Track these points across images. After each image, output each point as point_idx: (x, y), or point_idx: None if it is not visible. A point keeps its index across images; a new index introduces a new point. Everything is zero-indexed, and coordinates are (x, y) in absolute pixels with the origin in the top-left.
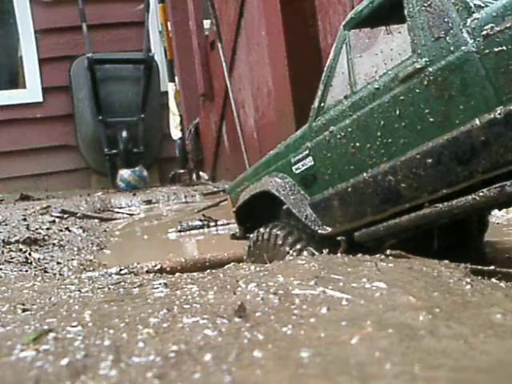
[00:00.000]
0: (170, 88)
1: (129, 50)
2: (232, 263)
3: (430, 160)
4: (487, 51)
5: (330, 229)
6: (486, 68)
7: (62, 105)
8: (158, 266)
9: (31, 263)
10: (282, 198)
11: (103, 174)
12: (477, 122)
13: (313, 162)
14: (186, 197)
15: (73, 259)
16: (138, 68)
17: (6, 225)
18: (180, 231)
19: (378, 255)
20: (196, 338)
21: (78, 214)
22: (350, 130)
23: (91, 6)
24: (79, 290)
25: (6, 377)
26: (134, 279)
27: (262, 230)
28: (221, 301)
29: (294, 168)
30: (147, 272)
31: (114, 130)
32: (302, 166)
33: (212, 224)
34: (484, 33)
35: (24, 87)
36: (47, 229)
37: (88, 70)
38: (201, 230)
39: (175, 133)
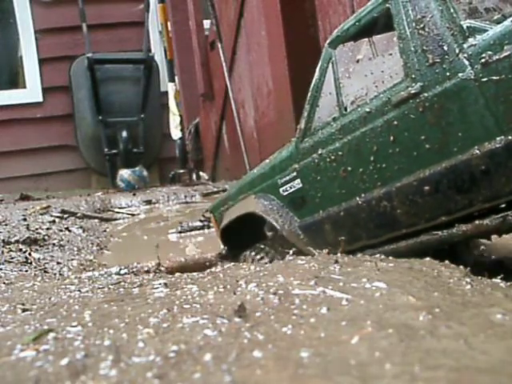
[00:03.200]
0: (170, 88)
1: (129, 50)
2: (232, 263)
3: (427, 187)
4: (486, 79)
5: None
6: (485, 96)
7: (62, 105)
8: (158, 266)
9: (31, 263)
10: (271, 220)
11: (103, 174)
12: (476, 150)
13: (301, 185)
14: (186, 197)
15: (73, 259)
16: (138, 68)
17: (6, 225)
18: (180, 232)
19: (377, 255)
20: (196, 337)
21: (78, 214)
22: (340, 153)
23: (91, 6)
24: (79, 290)
25: (6, 377)
26: (134, 279)
27: (247, 252)
28: (221, 301)
29: (281, 190)
30: (147, 272)
31: (114, 130)
32: (290, 188)
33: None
34: (482, 60)
35: (24, 87)
36: (47, 229)
37: (88, 70)
38: (201, 231)
39: (175, 133)
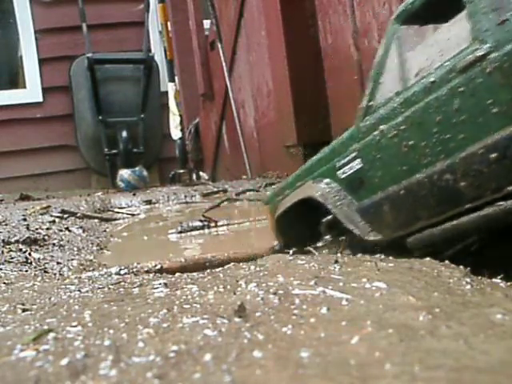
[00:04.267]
0: (170, 88)
1: (129, 50)
2: (232, 263)
3: (494, 155)
4: None
5: (380, 235)
6: None
7: (62, 105)
8: (158, 266)
9: (31, 263)
10: (327, 204)
11: (103, 174)
12: None
13: (361, 165)
14: (186, 197)
15: (73, 259)
16: (138, 68)
17: (5, 225)
18: (180, 232)
19: (377, 255)
20: (196, 337)
21: (78, 214)
22: (402, 127)
23: (91, 6)
24: (79, 290)
25: (5, 377)
26: (134, 279)
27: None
28: (221, 301)
29: (339, 173)
30: (147, 272)
31: (114, 130)
32: (349, 169)
33: (212, 225)
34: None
35: (24, 87)
36: (47, 229)
37: (88, 70)
38: (201, 231)
39: (175, 133)
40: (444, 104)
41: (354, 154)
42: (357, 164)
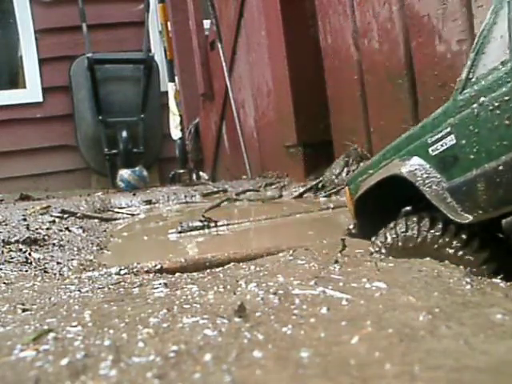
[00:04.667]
0: (170, 88)
1: (129, 50)
2: (232, 263)
3: None
4: None
5: (471, 217)
6: None
7: (62, 105)
8: (158, 266)
9: (31, 263)
10: (415, 182)
11: (103, 174)
12: None
13: (455, 141)
14: (186, 197)
15: (73, 259)
16: (138, 68)
17: (5, 225)
18: (180, 232)
19: (377, 255)
20: (196, 337)
21: (78, 214)
22: (506, 98)
23: (91, 6)
24: (79, 290)
25: (6, 377)
26: (134, 279)
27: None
28: (221, 301)
29: (430, 150)
30: (147, 272)
31: (114, 130)
32: (441, 146)
33: (212, 225)
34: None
35: (24, 87)
36: (47, 229)
37: (88, 70)
38: (201, 231)
39: (175, 133)
40: None
41: (448, 130)
42: (450, 140)
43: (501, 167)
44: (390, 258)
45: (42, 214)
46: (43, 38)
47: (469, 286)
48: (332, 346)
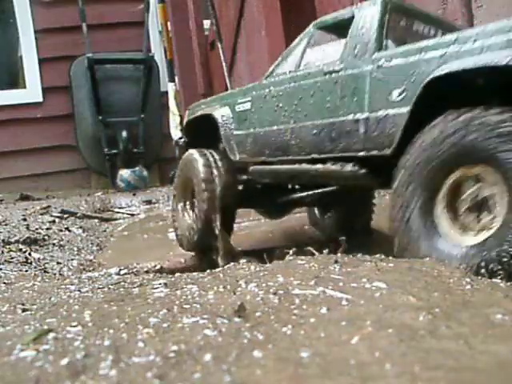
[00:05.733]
0: (170, 88)
1: (129, 50)
2: (232, 263)
3: (314, 131)
4: (374, 75)
5: (238, 157)
6: (370, 85)
7: (62, 105)
8: (158, 266)
9: (31, 263)
10: (218, 123)
11: (103, 174)
12: (350, 116)
13: (249, 107)
14: None
15: (73, 259)
16: (138, 68)
17: (6, 225)
18: None
19: (377, 255)
20: (196, 337)
21: (78, 214)
22: (281, 93)
23: (91, 6)
24: (79, 290)
25: (6, 377)
26: (133, 279)
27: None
28: (221, 301)
29: (236, 106)
30: (147, 272)
31: (114, 130)
32: (243, 107)
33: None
34: (379, 63)
35: (24, 87)
36: (47, 229)
37: (88, 70)
38: None
39: (175, 133)
40: (307, 89)
41: (249, 98)
42: (248, 105)
43: (261, 133)
44: (390, 258)
45: (41, 214)
46: (43, 37)
47: (469, 286)
48: (332, 346)
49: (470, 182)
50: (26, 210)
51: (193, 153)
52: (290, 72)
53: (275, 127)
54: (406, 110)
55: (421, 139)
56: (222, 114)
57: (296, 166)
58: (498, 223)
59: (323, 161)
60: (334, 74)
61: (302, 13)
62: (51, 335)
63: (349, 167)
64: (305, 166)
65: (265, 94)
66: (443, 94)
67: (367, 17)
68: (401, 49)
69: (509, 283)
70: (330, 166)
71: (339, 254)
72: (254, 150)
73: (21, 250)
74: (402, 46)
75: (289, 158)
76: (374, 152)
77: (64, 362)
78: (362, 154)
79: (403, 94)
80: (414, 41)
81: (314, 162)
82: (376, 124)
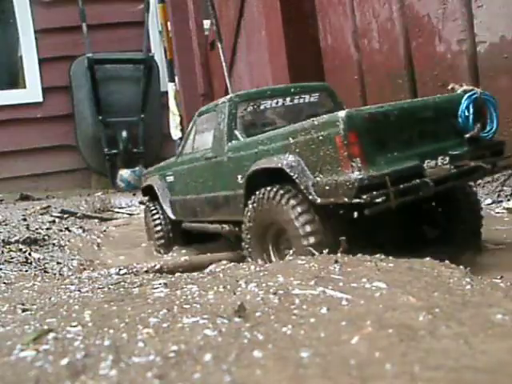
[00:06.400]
0: (170, 88)
1: (129, 50)
2: (232, 263)
3: (205, 201)
4: (227, 164)
5: (174, 217)
6: (227, 170)
7: (62, 105)
8: (158, 266)
9: (31, 263)
10: (158, 193)
11: (103, 174)
12: (218, 193)
13: (172, 179)
14: None
15: (73, 259)
16: (138, 68)
17: (6, 225)
18: None
19: (377, 255)
20: (196, 337)
21: (78, 214)
22: (185, 170)
23: (91, 6)
24: (79, 290)
25: (6, 377)
26: (133, 279)
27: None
28: (221, 301)
29: (166, 178)
30: (147, 272)
31: (114, 130)
32: (169, 179)
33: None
34: (230, 154)
35: (24, 87)
36: (47, 229)
37: (88, 70)
38: None
39: (175, 133)
40: (195, 170)
41: (171, 172)
42: (171, 177)
43: (182, 200)
44: (390, 258)
45: (41, 214)
46: (43, 37)
47: (469, 286)
48: (332, 345)
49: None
50: (26, 209)
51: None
52: (188, 154)
53: (188, 196)
54: (243, 191)
55: (248, 208)
56: (158, 184)
57: (205, 225)
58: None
59: (218, 221)
60: (208, 160)
61: (302, 13)
62: (51, 335)
63: (226, 227)
64: (207, 225)
65: (178, 170)
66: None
67: (221, 112)
68: (239, 143)
69: (509, 283)
70: (217, 226)
71: (339, 254)
72: (180, 212)
73: (21, 249)
74: (240, 141)
75: (200, 219)
76: (238, 217)
77: (64, 362)
78: (231, 219)
79: (244, 179)
80: (266, 122)
81: (211, 222)
82: (234, 199)
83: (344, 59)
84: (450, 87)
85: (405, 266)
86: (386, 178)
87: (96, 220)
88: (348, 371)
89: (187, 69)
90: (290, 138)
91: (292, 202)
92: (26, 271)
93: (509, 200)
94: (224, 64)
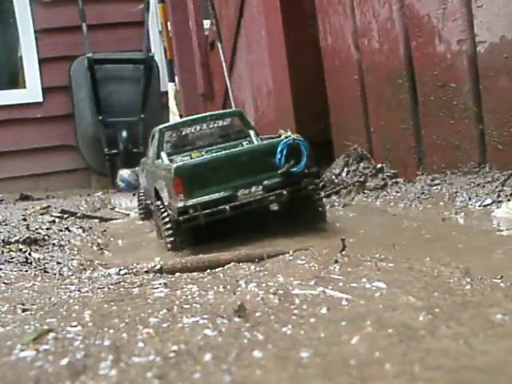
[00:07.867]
0: (170, 88)
1: (129, 50)
2: (232, 263)
3: (150, 190)
4: (153, 174)
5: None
6: (153, 177)
7: (62, 105)
8: (158, 266)
9: (31, 263)
10: (140, 180)
11: (103, 174)
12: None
13: (144, 175)
14: None
15: (73, 259)
16: (138, 68)
17: (6, 225)
18: None
19: (377, 255)
20: (196, 337)
21: (78, 214)
22: (147, 172)
23: (91, 6)
24: (79, 290)
25: (6, 377)
26: (133, 279)
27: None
28: (221, 301)
29: (145, 170)
30: (147, 272)
31: (114, 130)
32: (142, 175)
33: None
34: (154, 168)
35: (24, 87)
36: (47, 229)
37: (88, 70)
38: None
39: None
40: (150, 171)
41: (145, 170)
42: (143, 174)
43: (145, 188)
44: (390, 257)
45: (41, 214)
46: (43, 37)
47: (469, 286)
48: (332, 345)
49: None
50: (26, 209)
51: None
52: (153, 160)
53: (147, 186)
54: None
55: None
56: (141, 177)
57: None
58: None
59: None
60: (150, 168)
61: (302, 13)
62: (51, 335)
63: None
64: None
65: (145, 170)
66: None
67: (155, 137)
68: (158, 163)
69: (509, 283)
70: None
71: (339, 254)
72: (145, 193)
73: (21, 249)
74: (160, 161)
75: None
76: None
77: (64, 361)
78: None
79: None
80: (187, 143)
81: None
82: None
83: (344, 59)
84: (278, 133)
85: (405, 266)
86: (197, 205)
87: (96, 220)
88: (348, 371)
89: (187, 69)
90: (162, 171)
91: (159, 212)
92: (26, 271)
93: (509, 200)
94: (224, 64)
